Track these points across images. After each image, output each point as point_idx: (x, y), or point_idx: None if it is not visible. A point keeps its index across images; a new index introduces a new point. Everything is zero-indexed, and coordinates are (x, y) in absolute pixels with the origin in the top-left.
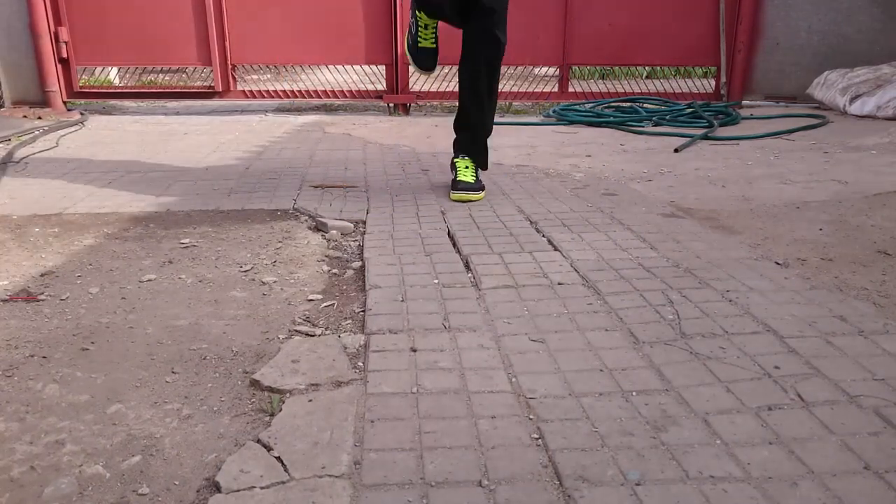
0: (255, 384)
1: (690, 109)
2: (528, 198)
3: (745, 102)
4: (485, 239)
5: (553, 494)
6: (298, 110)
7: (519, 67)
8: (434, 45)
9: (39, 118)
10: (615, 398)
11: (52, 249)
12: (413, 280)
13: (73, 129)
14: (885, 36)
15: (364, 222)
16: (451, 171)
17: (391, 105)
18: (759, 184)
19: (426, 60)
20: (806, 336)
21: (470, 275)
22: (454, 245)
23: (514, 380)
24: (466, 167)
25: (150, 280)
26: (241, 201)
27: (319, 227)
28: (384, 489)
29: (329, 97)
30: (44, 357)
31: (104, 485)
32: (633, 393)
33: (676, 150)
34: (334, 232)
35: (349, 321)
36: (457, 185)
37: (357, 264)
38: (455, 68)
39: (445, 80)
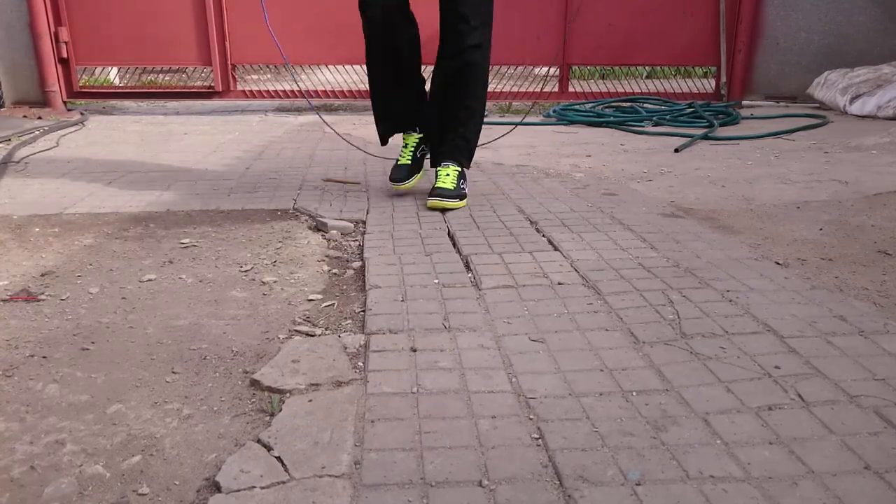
0: (255, 384)
1: (691, 109)
2: (528, 198)
3: (745, 102)
4: (485, 239)
5: (553, 494)
6: (298, 110)
7: (519, 67)
8: (409, 161)
9: (39, 118)
10: (615, 398)
11: (52, 249)
12: (413, 280)
13: (73, 129)
14: (885, 36)
15: (364, 222)
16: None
17: None
18: (760, 184)
19: (398, 173)
20: (806, 336)
21: (470, 275)
22: (454, 245)
23: (514, 380)
24: (448, 174)
25: (150, 280)
26: (242, 201)
27: (319, 227)
28: (384, 489)
29: (329, 97)
30: (44, 357)
31: (104, 485)
32: (633, 393)
33: (676, 150)
34: (334, 232)
35: (349, 321)
36: (433, 191)
37: (357, 264)
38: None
39: None
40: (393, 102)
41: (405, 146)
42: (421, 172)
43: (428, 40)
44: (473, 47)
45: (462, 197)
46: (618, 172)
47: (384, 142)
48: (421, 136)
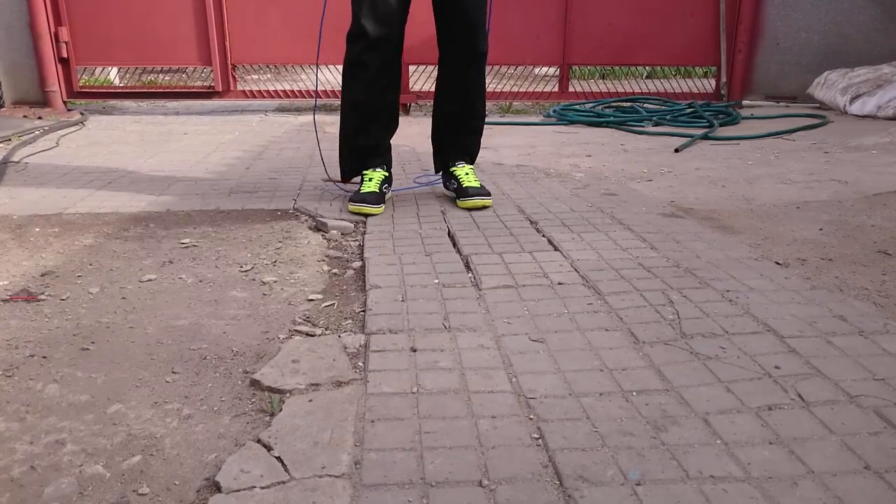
0: (255, 384)
1: (691, 109)
2: (528, 198)
3: (745, 102)
4: (485, 239)
5: (553, 494)
6: (298, 110)
7: (519, 67)
8: (376, 190)
9: (39, 118)
10: (615, 398)
11: (52, 249)
12: (413, 280)
13: (73, 129)
14: (885, 36)
15: (364, 222)
16: (448, 182)
17: None
18: (760, 184)
19: (369, 196)
20: (806, 336)
21: (470, 275)
22: (454, 245)
23: (514, 380)
24: (466, 173)
25: (150, 280)
26: (242, 201)
27: (319, 227)
28: (384, 489)
29: (329, 97)
30: (44, 357)
31: (104, 484)
32: (633, 393)
33: (676, 150)
34: (334, 232)
35: (349, 321)
36: (467, 191)
37: (357, 264)
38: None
39: None
40: (374, 132)
41: (369, 180)
42: (384, 205)
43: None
44: (483, 54)
45: (489, 193)
46: (618, 172)
47: (348, 179)
48: (387, 174)
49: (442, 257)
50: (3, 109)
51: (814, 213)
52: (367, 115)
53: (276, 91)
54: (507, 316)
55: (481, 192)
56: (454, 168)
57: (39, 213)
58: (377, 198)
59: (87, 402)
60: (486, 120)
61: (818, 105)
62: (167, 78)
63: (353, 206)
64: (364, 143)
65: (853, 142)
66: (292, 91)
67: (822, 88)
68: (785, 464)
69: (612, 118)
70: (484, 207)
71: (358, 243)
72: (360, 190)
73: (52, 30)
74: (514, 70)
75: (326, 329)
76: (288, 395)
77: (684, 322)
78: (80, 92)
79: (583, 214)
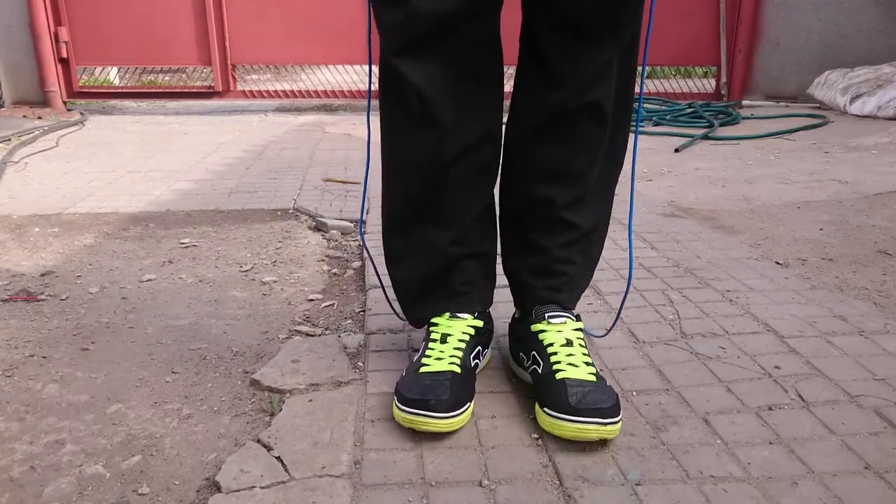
0: (255, 384)
1: (691, 109)
2: None
3: (745, 102)
4: None
5: (553, 494)
6: (298, 110)
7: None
8: (457, 367)
9: (39, 118)
10: None
11: (52, 249)
12: None
13: (72, 129)
14: (886, 36)
15: (364, 222)
16: (520, 349)
17: None
18: (760, 184)
19: (432, 391)
20: (806, 336)
21: None
22: None
23: (513, 380)
24: (565, 341)
25: (150, 280)
26: (242, 201)
27: (319, 227)
28: (384, 489)
29: (329, 97)
30: (44, 357)
31: (104, 484)
32: (633, 393)
33: (676, 150)
34: (334, 231)
35: (349, 321)
36: (562, 395)
37: (357, 264)
38: None
39: None
40: (455, 223)
41: (442, 340)
42: (472, 404)
43: None
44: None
45: (619, 407)
46: None
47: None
48: (482, 322)
49: None
50: (2, 109)
51: (814, 213)
52: (437, 181)
53: (276, 91)
54: (508, 316)
55: (602, 410)
56: (538, 324)
57: (39, 213)
58: (456, 389)
59: (86, 402)
60: None
61: (818, 105)
62: (167, 78)
63: (401, 416)
64: (435, 255)
65: (853, 142)
66: (292, 91)
67: (822, 88)
68: (785, 464)
69: None
70: (604, 440)
71: (358, 243)
72: (417, 366)
73: (52, 30)
74: (513, 70)
75: (326, 329)
76: (288, 395)
77: (684, 322)
78: (79, 92)
79: None
